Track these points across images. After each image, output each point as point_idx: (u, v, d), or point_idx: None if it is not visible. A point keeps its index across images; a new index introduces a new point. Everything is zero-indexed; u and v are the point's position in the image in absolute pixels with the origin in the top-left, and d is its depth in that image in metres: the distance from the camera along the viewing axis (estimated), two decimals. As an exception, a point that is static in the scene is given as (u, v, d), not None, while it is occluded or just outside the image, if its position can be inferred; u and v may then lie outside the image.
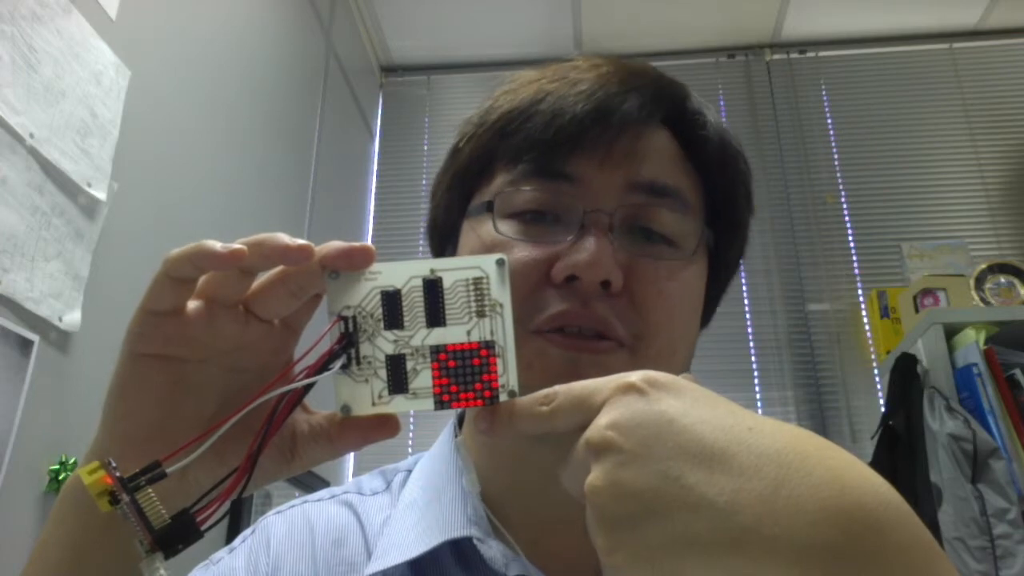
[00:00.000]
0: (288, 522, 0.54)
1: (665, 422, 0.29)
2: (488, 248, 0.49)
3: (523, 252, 0.47)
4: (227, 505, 0.34)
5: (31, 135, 1.04)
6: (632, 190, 0.49)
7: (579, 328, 0.46)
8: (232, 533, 1.54)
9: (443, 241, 0.56)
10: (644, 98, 0.49)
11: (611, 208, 0.47)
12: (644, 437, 0.29)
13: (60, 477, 1.06)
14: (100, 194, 1.17)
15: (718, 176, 0.53)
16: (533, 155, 0.49)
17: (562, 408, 0.33)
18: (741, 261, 0.58)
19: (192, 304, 0.36)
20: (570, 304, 0.46)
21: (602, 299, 0.46)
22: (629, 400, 0.31)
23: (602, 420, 0.31)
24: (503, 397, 0.35)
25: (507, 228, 0.49)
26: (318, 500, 0.56)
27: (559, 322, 0.46)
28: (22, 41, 1.04)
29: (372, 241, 2.73)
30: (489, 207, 0.50)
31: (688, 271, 0.50)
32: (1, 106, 0.99)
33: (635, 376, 0.31)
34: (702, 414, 0.29)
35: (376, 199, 2.77)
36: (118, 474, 0.31)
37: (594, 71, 0.51)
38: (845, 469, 0.27)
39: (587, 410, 0.32)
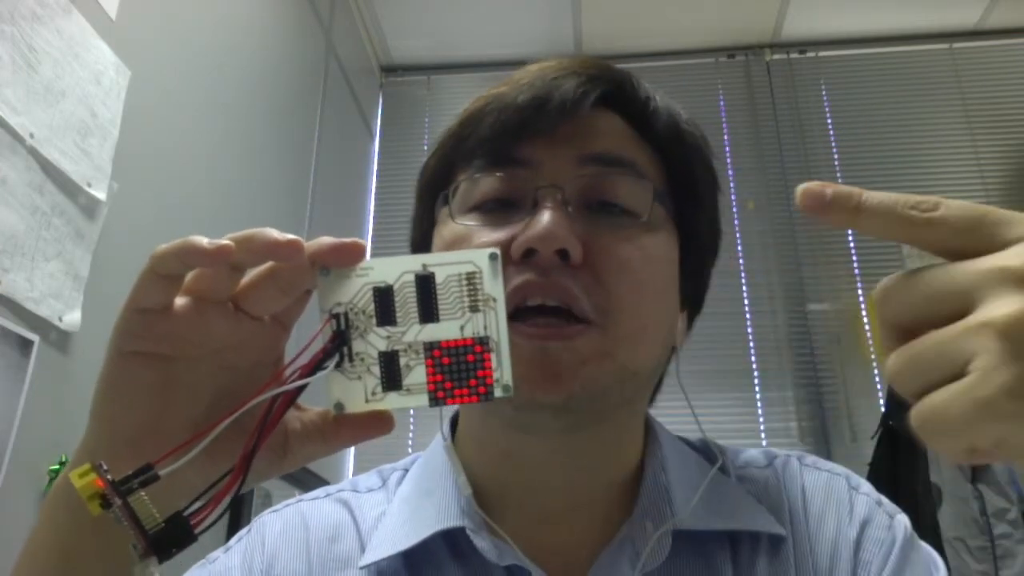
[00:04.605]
0: (283, 520, 0.54)
1: None
2: (450, 244, 0.49)
3: (483, 238, 0.48)
4: (221, 508, 0.33)
5: (31, 135, 1.04)
6: (583, 163, 0.49)
7: (543, 302, 0.45)
8: (232, 531, 1.54)
9: (418, 252, 0.56)
10: (581, 79, 0.50)
11: (563, 182, 0.48)
12: None
13: (59, 476, 1.06)
14: (100, 194, 1.18)
15: (671, 150, 0.53)
16: (483, 150, 0.50)
17: (949, 220, 0.28)
18: (718, 239, 0.57)
19: (180, 301, 0.35)
20: (529, 276, 0.45)
21: (562, 271, 0.45)
22: None
23: None
24: (497, 392, 0.35)
25: (467, 220, 0.50)
26: (313, 499, 0.56)
27: (521, 295, 0.45)
28: (22, 41, 1.04)
29: (372, 241, 2.73)
30: (445, 200, 0.51)
31: (650, 239, 0.49)
32: (1, 106, 0.99)
33: None
34: None
35: (376, 199, 2.77)
36: (110, 477, 0.31)
37: (537, 67, 0.52)
38: None
39: (991, 237, 0.27)
